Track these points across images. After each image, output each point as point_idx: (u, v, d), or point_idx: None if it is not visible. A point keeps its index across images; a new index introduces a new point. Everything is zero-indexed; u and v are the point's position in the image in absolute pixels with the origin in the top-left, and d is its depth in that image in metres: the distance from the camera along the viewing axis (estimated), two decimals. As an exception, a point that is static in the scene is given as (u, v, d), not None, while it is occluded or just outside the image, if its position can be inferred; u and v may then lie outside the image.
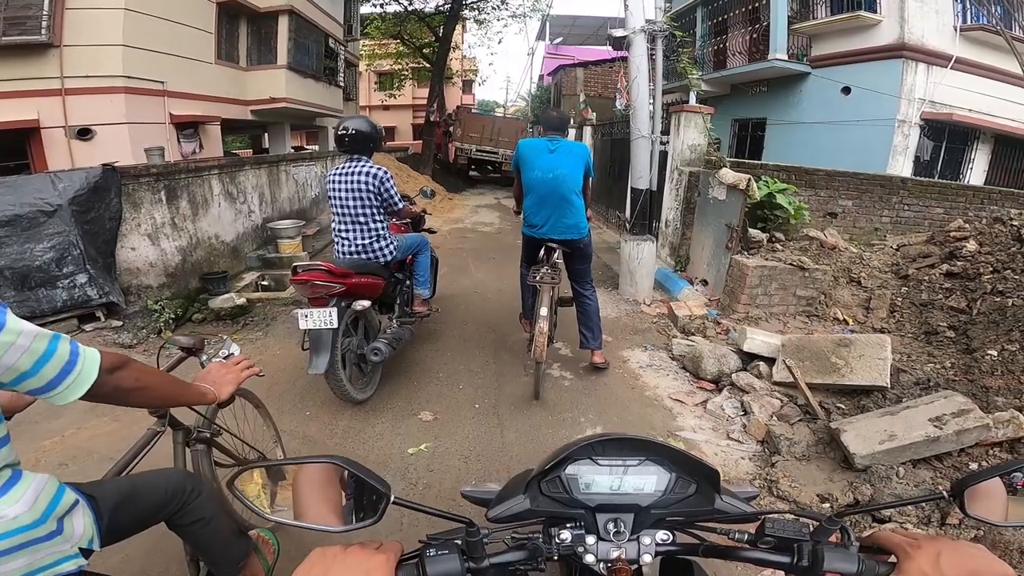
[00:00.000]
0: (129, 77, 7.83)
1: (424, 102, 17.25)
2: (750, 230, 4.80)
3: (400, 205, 3.27)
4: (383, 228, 3.26)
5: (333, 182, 3.15)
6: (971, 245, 4.36)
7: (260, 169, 6.94)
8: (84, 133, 7.54)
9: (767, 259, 4.46)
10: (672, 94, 12.06)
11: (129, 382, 1.08)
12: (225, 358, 1.53)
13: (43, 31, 7.22)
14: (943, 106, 9.58)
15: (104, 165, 4.53)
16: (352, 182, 3.10)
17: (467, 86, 32.15)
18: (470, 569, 0.64)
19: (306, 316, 2.79)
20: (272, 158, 7.92)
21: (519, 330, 4.06)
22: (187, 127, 9.43)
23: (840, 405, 3.07)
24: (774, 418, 3.00)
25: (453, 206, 11.71)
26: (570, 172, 3.21)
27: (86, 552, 1.14)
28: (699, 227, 5.55)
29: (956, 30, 9.43)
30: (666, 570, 0.79)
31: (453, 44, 16.13)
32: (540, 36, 25.53)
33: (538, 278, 3.16)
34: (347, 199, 3.14)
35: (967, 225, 4.88)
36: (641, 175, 5.12)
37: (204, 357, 1.68)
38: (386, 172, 3.16)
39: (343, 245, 3.23)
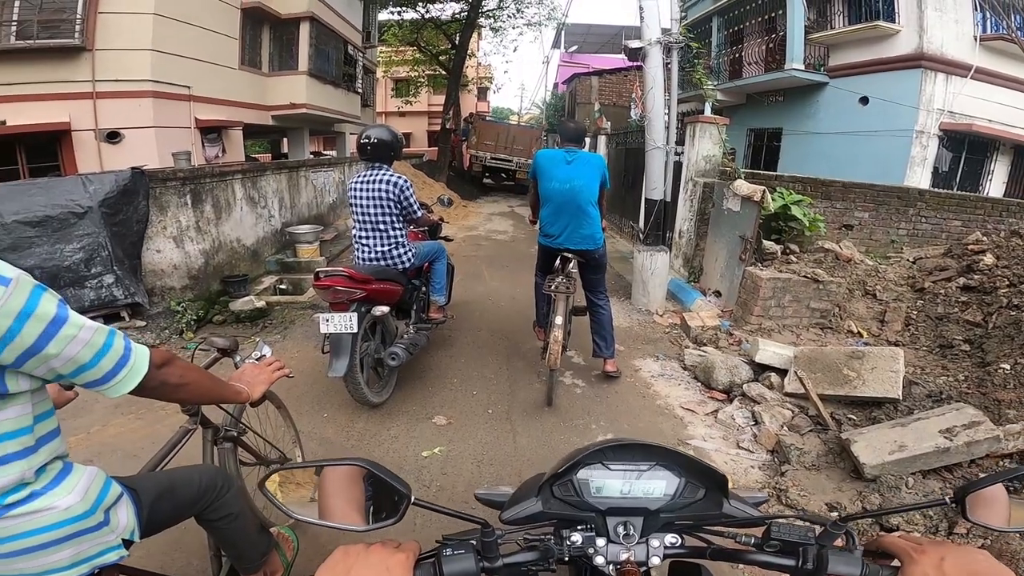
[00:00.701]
0: (157, 82, 8.02)
1: (439, 109, 17.39)
2: (764, 242, 4.81)
3: (419, 213, 3.34)
4: (402, 235, 3.33)
5: (355, 189, 3.23)
6: (988, 259, 4.33)
7: (280, 174, 7.08)
8: (113, 136, 7.76)
9: (781, 271, 4.46)
10: (687, 103, 12.05)
11: (174, 378, 1.12)
12: (258, 359, 1.58)
13: (76, 34, 7.36)
14: (962, 116, 9.47)
15: (133, 168, 4.67)
16: (373, 190, 3.18)
17: (482, 93, 32.27)
18: (484, 569, 0.67)
19: (327, 320, 2.86)
20: (292, 163, 8.06)
21: (532, 338, 4.10)
22: (211, 131, 9.65)
23: (851, 416, 3.08)
24: (784, 428, 3.02)
25: (467, 213, 11.81)
26: (587, 183, 3.27)
27: (127, 543, 1.17)
28: (713, 238, 5.56)
29: (976, 40, 9.33)
30: (674, 573, 0.81)
31: (469, 51, 16.27)
32: (555, 44, 25.58)
33: (553, 287, 3.21)
34: (368, 206, 3.22)
35: (985, 238, 4.85)
36: (655, 186, 5.16)
37: (238, 358, 1.71)
38: (406, 180, 3.23)
39: (363, 251, 3.30)
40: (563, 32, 23.04)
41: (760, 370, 3.62)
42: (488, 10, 17.84)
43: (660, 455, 0.73)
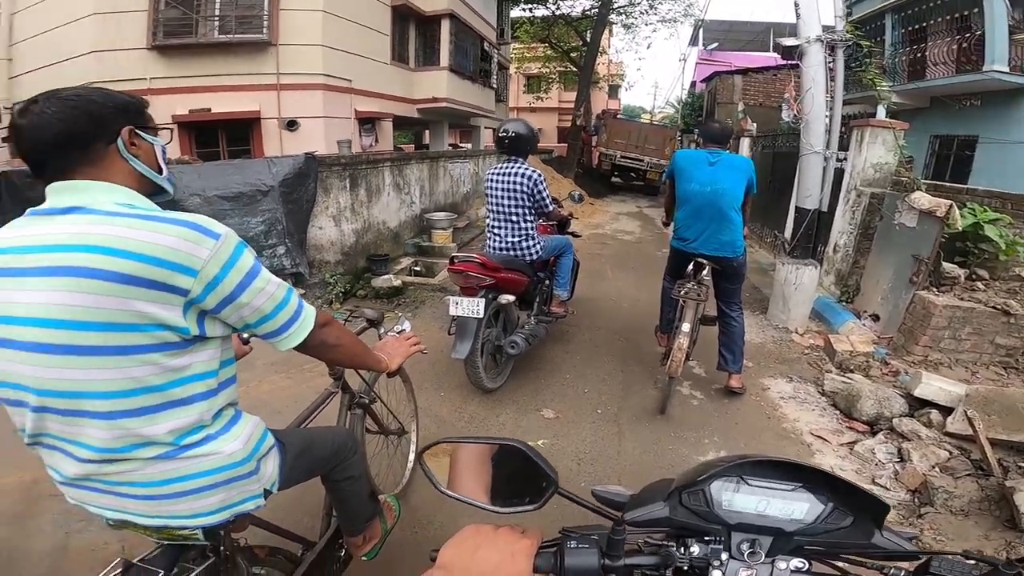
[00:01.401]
0: (327, 75, 8.99)
1: (570, 105, 17.36)
2: (944, 264, 4.12)
3: (550, 207, 3.40)
4: (532, 228, 3.40)
5: (491, 181, 3.36)
6: None
7: (423, 164, 7.62)
8: (292, 125, 8.91)
9: (962, 299, 3.79)
10: (853, 106, 10.69)
11: (332, 338, 1.18)
12: (399, 333, 1.68)
13: (264, 30, 8.33)
14: None
15: (306, 153, 5.34)
16: (508, 182, 3.28)
17: (613, 91, 31.60)
18: (604, 566, 0.66)
19: (457, 303, 3.03)
20: (433, 154, 8.62)
21: (652, 342, 3.97)
22: (366, 122, 10.67)
23: (1022, 464, 2.60)
24: (936, 469, 2.69)
25: (594, 211, 11.68)
26: (731, 187, 3.06)
27: (266, 494, 1.20)
28: (877, 256, 4.89)
29: None
30: None
31: (600, 48, 15.98)
32: (693, 42, 24.22)
33: (683, 292, 3.07)
34: (502, 198, 3.33)
35: None
36: (810, 193, 4.66)
37: (382, 330, 1.83)
38: (540, 175, 3.29)
39: (495, 241, 3.43)
40: (701, 29, 21.71)
41: (917, 405, 3.20)
42: (620, 6, 17.36)
43: (809, 477, 0.68)
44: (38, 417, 0.97)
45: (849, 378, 3.63)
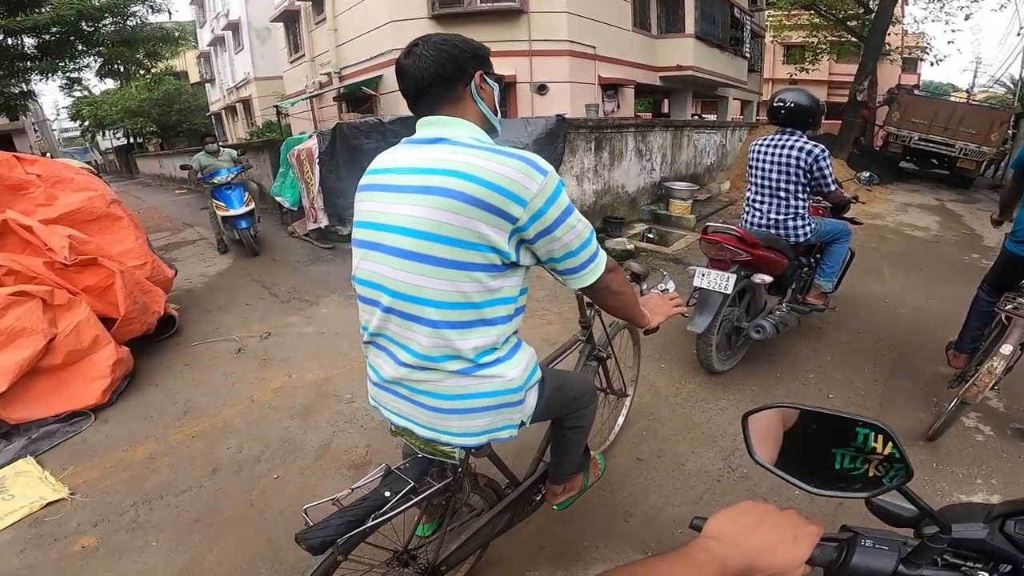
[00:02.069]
0: (572, 42, 9.27)
1: (842, 79, 14.67)
2: None
3: (833, 187, 3.02)
4: (803, 207, 3.05)
5: (758, 152, 3.09)
6: None
7: (667, 132, 7.38)
8: (542, 89, 9.48)
9: None
10: None
11: (615, 285, 1.22)
12: (663, 291, 1.68)
13: None
14: None
15: (557, 115, 5.63)
16: (781, 155, 2.98)
17: (909, 64, 25.73)
18: (898, 572, 0.61)
19: (703, 275, 2.90)
20: (678, 122, 8.27)
21: (935, 361, 3.26)
22: (609, 88, 10.74)
23: None
24: None
25: (872, 199, 9.72)
26: None
27: (520, 424, 1.24)
28: None
29: None
30: None
31: (892, 18, 12.88)
32: None
33: (1013, 307, 2.42)
34: (770, 171, 3.04)
35: None
36: None
37: (645, 286, 1.83)
38: (823, 150, 2.92)
39: (755, 216, 3.17)
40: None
41: None
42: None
43: None
44: (385, 317, 1.13)
45: None
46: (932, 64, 26.13)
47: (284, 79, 15.78)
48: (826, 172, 2.94)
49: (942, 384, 3.05)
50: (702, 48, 12.06)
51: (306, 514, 1.16)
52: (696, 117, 15.41)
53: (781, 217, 3.08)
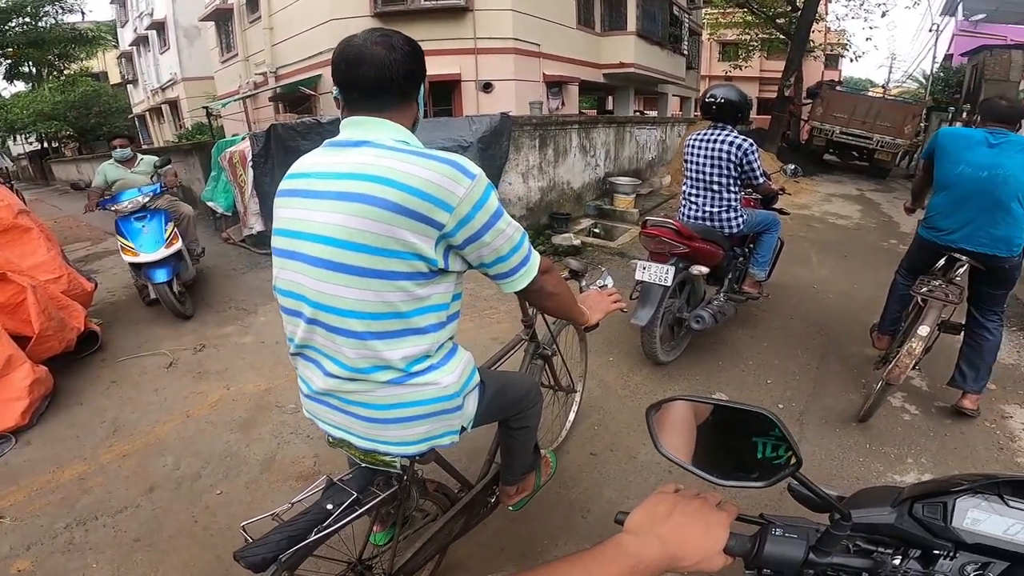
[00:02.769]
0: (517, 40, 9.29)
1: (772, 75, 15.49)
2: None
3: (762, 180, 3.16)
4: (735, 200, 3.18)
5: (692, 147, 3.19)
6: None
7: (610, 128, 7.51)
8: (487, 87, 9.45)
9: None
10: None
11: (550, 286, 1.20)
12: (601, 287, 1.68)
13: None
14: None
15: (502, 113, 5.62)
16: (713, 149, 3.09)
17: (831, 61, 27.46)
18: (809, 560, 0.63)
19: (644, 268, 2.96)
20: (621, 119, 8.46)
21: (861, 343, 3.48)
22: (554, 86, 10.83)
23: None
24: None
25: (799, 190, 10.27)
26: (1017, 174, 2.46)
27: (461, 430, 1.22)
28: None
29: None
30: None
31: (816, 15, 13.71)
32: (948, 11, 19.80)
33: (929, 290, 2.60)
34: (704, 165, 3.15)
35: None
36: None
37: (584, 282, 1.84)
38: (751, 144, 3.06)
39: (691, 209, 3.27)
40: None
41: None
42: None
43: None
44: (309, 329, 1.09)
45: None
46: (852, 60, 27.95)
47: (215, 79, 15.07)
48: (755, 165, 3.07)
49: (869, 365, 3.26)
50: (643, 45, 12.36)
51: (245, 531, 1.12)
52: (638, 113, 15.83)
53: (715, 210, 3.19)
